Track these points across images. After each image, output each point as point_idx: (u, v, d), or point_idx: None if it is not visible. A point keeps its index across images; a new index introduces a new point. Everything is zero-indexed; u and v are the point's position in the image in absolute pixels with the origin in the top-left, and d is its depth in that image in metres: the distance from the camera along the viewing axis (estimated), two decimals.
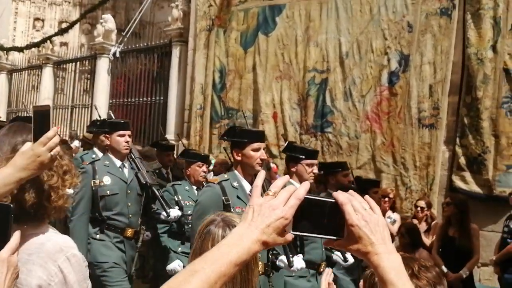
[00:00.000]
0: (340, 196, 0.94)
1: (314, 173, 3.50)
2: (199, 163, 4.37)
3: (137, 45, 11.10)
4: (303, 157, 3.45)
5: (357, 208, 0.93)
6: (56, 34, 13.25)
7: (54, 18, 16.14)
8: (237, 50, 8.17)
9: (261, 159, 2.90)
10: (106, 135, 3.69)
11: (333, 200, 0.94)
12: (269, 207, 0.90)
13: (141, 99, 10.58)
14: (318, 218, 0.93)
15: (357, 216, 0.92)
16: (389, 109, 6.48)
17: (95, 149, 4.91)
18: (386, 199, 5.51)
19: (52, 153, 1.36)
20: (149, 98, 10.40)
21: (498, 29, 5.72)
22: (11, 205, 1.16)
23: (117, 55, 11.15)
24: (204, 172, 4.36)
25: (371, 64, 6.67)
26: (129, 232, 3.64)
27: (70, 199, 1.58)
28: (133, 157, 3.89)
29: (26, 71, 14.22)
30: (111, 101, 11.31)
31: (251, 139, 2.90)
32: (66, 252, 1.46)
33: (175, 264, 4.03)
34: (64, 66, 13.15)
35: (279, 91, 7.56)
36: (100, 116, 5.36)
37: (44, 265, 1.42)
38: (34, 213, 1.47)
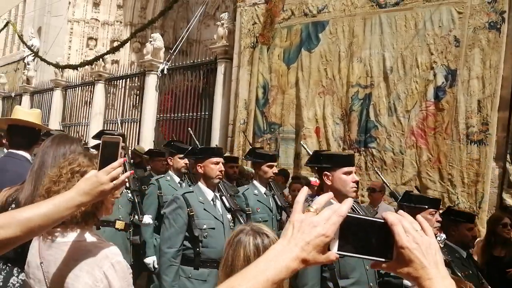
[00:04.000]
0: (390, 216, 0.90)
1: None
2: None
3: (184, 62, 11.38)
4: None
5: (408, 229, 0.89)
6: (108, 53, 13.79)
7: (106, 37, 16.88)
8: (280, 66, 8.26)
9: None
10: (327, 172, 2.73)
11: (382, 220, 0.90)
12: (310, 223, 0.86)
13: (187, 114, 10.83)
14: (366, 239, 0.89)
15: (407, 238, 0.88)
16: (436, 125, 6.33)
17: (256, 182, 4.39)
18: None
19: (114, 182, 1.40)
20: (194, 113, 10.63)
21: None
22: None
23: (165, 72, 11.49)
24: None
25: (416, 79, 6.57)
26: None
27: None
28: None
29: (80, 88, 14.84)
30: (158, 116, 11.65)
31: None
32: (111, 259, 1.50)
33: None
34: (115, 83, 13.63)
35: (322, 106, 7.55)
36: (197, 142, 5.21)
37: (90, 271, 1.46)
38: (82, 220, 1.54)
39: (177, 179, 4.85)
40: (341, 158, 2.82)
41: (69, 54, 16.81)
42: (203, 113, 10.36)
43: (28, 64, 17.26)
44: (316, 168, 2.90)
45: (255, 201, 4.22)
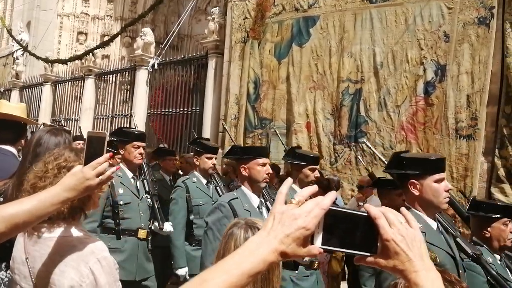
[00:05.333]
0: (373, 209, 0.88)
1: None
2: None
3: (175, 57, 11.34)
4: None
5: (392, 221, 0.87)
6: (98, 47, 13.69)
7: (97, 32, 16.75)
8: (271, 61, 8.26)
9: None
10: (414, 181, 2.28)
11: (366, 214, 0.88)
12: (291, 216, 0.84)
13: (178, 110, 10.79)
14: (349, 233, 0.87)
15: (392, 231, 0.86)
16: (425, 120, 6.38)
17: (295, 186, 3.77)
18: None
19: (100, 178, 1.40)
20: (185, 109, 10.60)
21: None
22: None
23: (156, 67, 11.44)
24: None
25: (406, 74, 6.60)
26: None
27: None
28: None
29: (69, 82, 14.73)
30: (149, 111, 11.60)
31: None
32: (97, 255, 1.49)
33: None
34: (105, 78, 13.54)
35: (313, 101, 7.58)
36: (232, 139, 4.69)
37: (76, 267, 1.46)
38: (69, 216, 1.53)
39: (204, 181, 4.35)
40: (431, 162, 2.30)
41: (59, 48, 16.68)
42: (194, 108, 10.34)
43: (17, 59, 17.09)
44: (398, 175, 2.37)
45: None
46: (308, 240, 0.85)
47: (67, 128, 2.94)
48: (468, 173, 5.92)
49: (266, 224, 0.86)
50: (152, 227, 3.93)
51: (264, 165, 3.08)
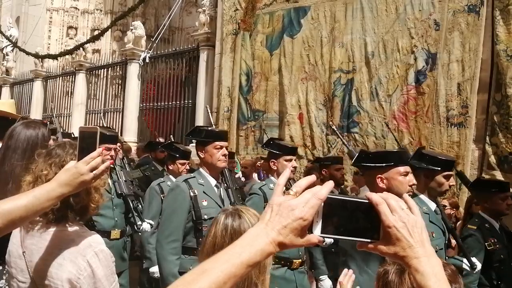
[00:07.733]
0: (374, 196, 0.89)
1: None
2: None
3: (166, 50, 11.30)
4: None
5: (393, 208, 0.88)
6: (88, 42, 13.59)
7: (87, 26, 16.58)
8: (263, 52, 8.25)
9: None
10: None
11: (367, 201, 0.89)
12: (288, 207, 0.85)
13: (170, 103, 10.78)
14: (350, 220, 0.88)
15: (394, 217, 0.87)
16: (417, 108, 6.42)
17: (422, 196, 2.93)
18: None
19: (94, 172, 1.42)
20: (178, 102, 10.59)
21: None
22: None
23: (147, 60, 11.39)
24: None
25: (397, 63, 6.63)
26: None
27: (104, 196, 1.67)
28: None
29: (60, 78, 14.63)
30: (141, 105, 11.56)
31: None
32: (94, 248, 1.51)
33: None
34: (97, 72, 13.47)
35: (305, 92, 7.59)
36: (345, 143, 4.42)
37: (74, 260, 1.47)
38: (80, 213, 1.55)
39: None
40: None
41: (49, 43, 16.50)
42: (186, 101, 10.33)
43: (7, 55, 16.91)
44: None
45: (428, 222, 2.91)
46: (306, 230, 0.86)
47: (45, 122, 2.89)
48: (459, 160, 5.97)
49: (264, 215, 0.88)
50: None
51: (406, 174, 2.56)
